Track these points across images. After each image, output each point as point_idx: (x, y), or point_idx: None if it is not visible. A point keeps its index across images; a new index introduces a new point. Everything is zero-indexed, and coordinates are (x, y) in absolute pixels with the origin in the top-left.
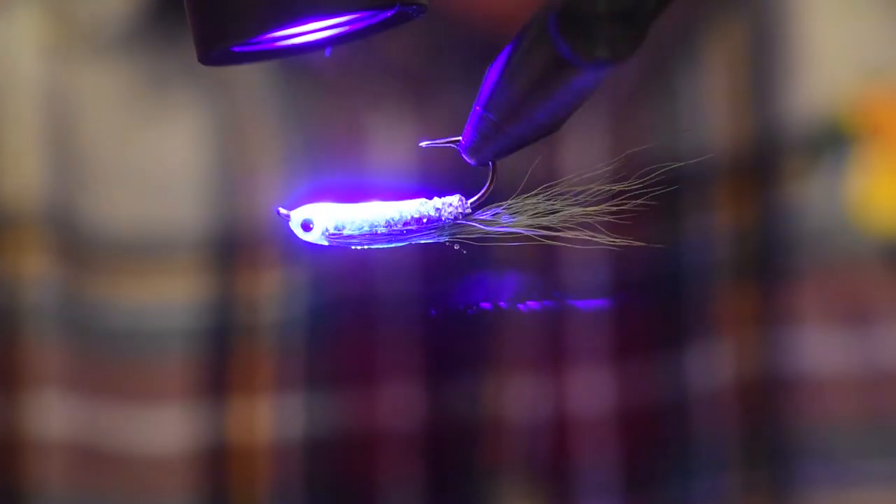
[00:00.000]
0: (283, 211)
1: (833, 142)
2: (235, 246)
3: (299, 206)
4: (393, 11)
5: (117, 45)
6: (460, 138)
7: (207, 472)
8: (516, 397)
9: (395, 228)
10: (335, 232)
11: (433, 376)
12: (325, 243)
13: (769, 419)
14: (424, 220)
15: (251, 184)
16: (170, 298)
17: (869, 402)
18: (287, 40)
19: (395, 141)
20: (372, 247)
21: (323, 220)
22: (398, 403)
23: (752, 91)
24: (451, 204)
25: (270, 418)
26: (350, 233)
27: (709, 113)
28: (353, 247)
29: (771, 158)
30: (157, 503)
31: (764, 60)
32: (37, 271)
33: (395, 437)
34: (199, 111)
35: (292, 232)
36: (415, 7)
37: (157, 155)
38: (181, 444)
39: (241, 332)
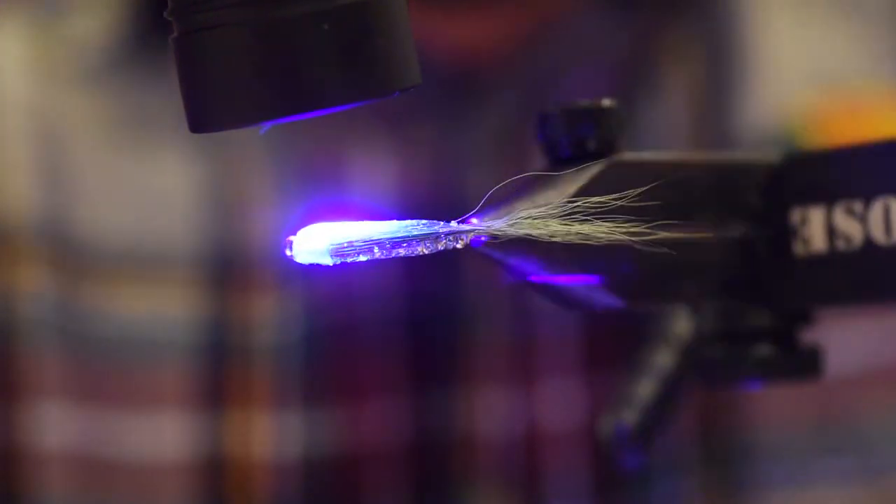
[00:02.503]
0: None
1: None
2: (230, 264)
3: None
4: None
5: (108, 65)
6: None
7: (204, 483)
8: (489, 411)
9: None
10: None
11: (416, 392)
12: (330, 262)
13: (722, 421)
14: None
15: (246, 204)
16: (164, 311)
17: (818, 403)
18: None
19: (373, 171)
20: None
21: (329, 236)
22: (385, 420)
23: (709, 108)
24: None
25: (267, 434)
26: (357, 248)
27: (669, 132)
28: (357, 258)
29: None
30: None
31: (720, 77)
32: (32, 285)
33: (382, 453)
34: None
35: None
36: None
37: (150, 171)
38: (178, 455)
39: (236, 349)
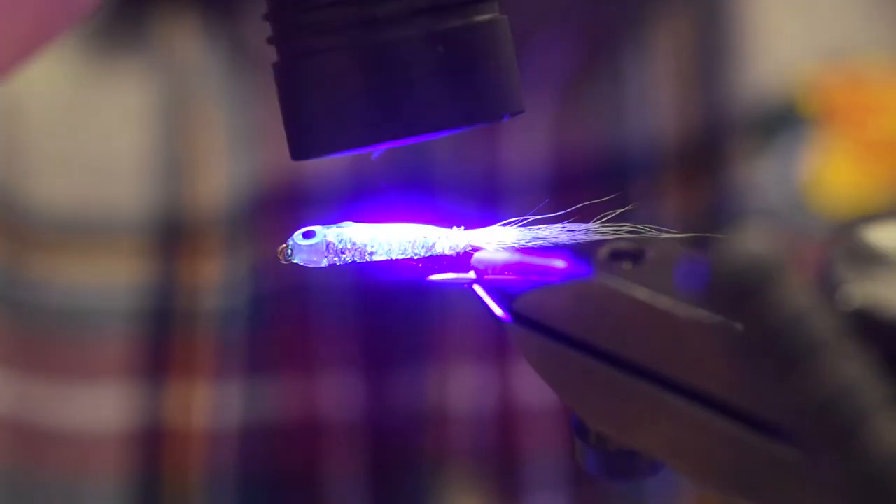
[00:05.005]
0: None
1: (786, 123)
2: (178, 231)
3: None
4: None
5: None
6: (473, 275)
7: (142, 452)
8: (461, 387)
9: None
10: (338, 246)
11: (375, 366)
12: (324, 259)
13: None
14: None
15: (195, 168)
16: (109, 279)
17: None
18: None
19: None
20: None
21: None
22: (338, 393)
23: (700, 74)
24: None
25: (207, 403)
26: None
27: (656, 98)
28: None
29: (720, 140)
30: (91, 481)
31: (712, 44)
32: None
33: (334, 426)
34: (144, 94)
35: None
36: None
37: (100, 137)
38: (116, 424)
39: (180, 316)
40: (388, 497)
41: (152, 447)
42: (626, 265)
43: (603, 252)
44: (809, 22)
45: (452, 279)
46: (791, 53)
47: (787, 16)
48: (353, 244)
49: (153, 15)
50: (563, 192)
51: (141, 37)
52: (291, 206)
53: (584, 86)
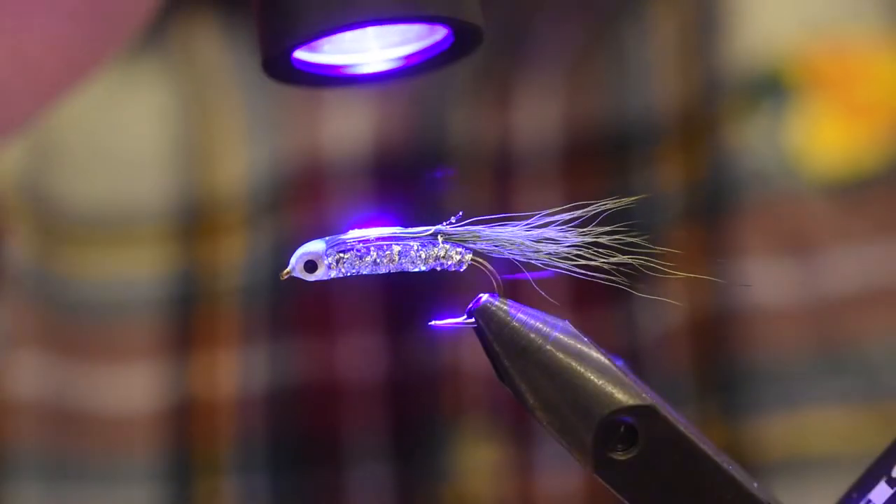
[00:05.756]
0: (285, 275)
1: (772, 90)
2: (200, 216)
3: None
4: (449, 37)
5: None
6: (473, 321)
7: (174, 426)
8: (474, 344)
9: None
10: (340, 256)
11: (393, 326)
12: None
13: (720, 350)
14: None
15: (215, 158)
16: (137, 266)
17: (816, 328)
18: (349, 69)
19: (349, 112)
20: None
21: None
22: (358, 355)
23: (696, 46)
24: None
25: (233, 374)
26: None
27: (655, 69)
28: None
29: (713, 108)
30: (127, 456)
31: (705, 17)
32: (12, 241)
33: (355, 386)
34: (165, 90)
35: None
36: (470, 33)
37: (125, 133)
38: (149, 401)
39: (206, 296)
40: (408, 450)
41: (184, 420)
42: None
43: None
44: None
45: (453, 324)
46: (778, 25)
47: None
48: (354, 267)
49: (174, 15)
50: (571, 160)
51: (162, 37)
52: (310, 187)
53: (589, 59)
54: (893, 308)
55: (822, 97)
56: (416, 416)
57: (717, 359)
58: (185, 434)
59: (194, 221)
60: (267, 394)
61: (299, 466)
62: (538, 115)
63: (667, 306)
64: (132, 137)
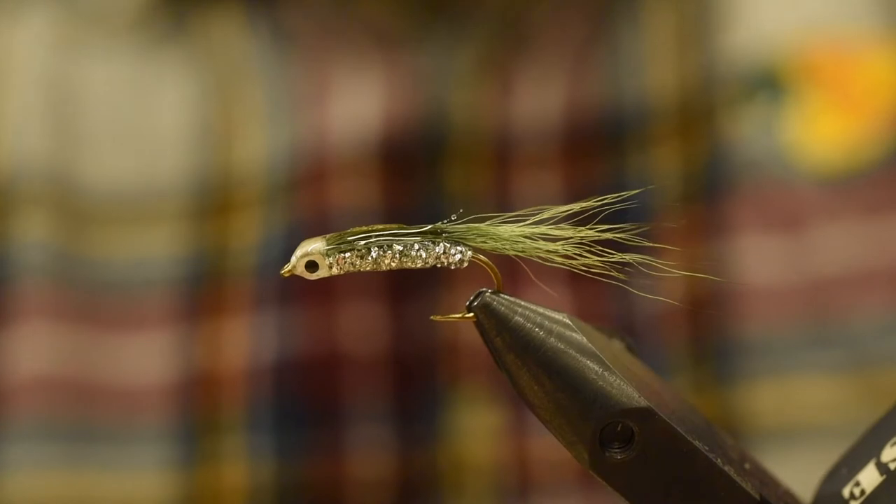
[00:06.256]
0: (286, 273)
1: (767, 84)
2: (216, 194)
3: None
4: None
5: (117, 29)
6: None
7: (185, 393)
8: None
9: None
10: (340, 255)
11: (395, 297)
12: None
13: (713, 322)
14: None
15: (230, 138)
16: (157, 245)
17: (807, 301)
18: None
19: (360, 94)
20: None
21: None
22: (362, 322)
23: (694, 38)
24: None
25: (243, 346)
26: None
27: (652, 59)
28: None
29: (710, 99)
30: (140, 425)
31: (706, 10)
32: (35, 222)
33: (359, 353)
34: (188, 76)
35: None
36: None
37: (148, 117)
38: (162, 370)
39: (222, 272)
40: (407, 413)
41: (196, 386)
42: None
43: None
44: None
45: (454, 319)
46: (774, 21)
47: None
48: (355, 265)
49: (196, 4)
50: (570, 145)
51: (184, 25)
52: (320, 170)
53: (588, 47)
54: (878, 287)
55: (816, 92)
56: (415, 381)
57: (710, 331)
58: (196, 398)
59: (211, 201)
60: (276, 360)
61: (304, 428)
62: (538, 101)
63: (663, 284)
64: (154, 121)
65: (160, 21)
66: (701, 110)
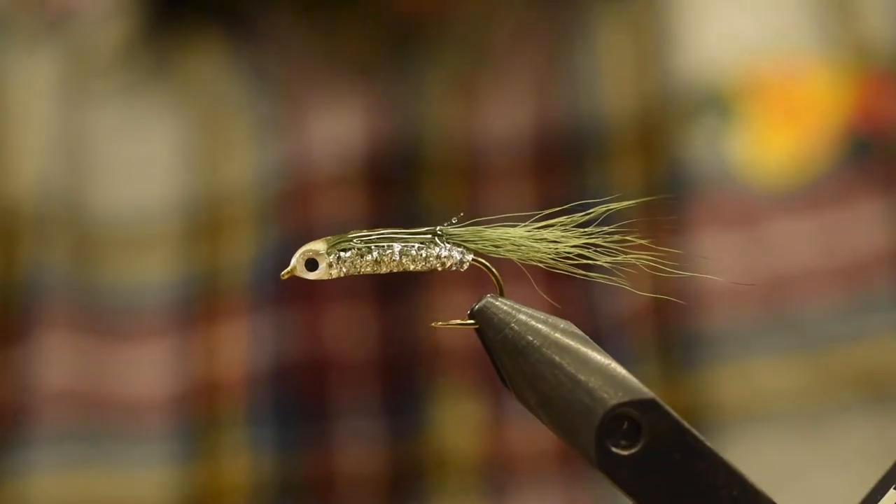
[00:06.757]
0: (285, 274)
1: (715, 103)
2: (207, 216)
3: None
4: None
5: (116, 61)
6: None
7: (187, 397)
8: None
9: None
10: (340, 255)
11: (381, 298)
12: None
13: (674, 311)
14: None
15: (217, 163)
16: (156, 265)
17: (762, 295)
18: None
19: (340, 117)
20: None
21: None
22: (350, 323)
23: (646, 61)
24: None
25: (239, 351)
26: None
27: (608, 81)
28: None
29: (663, 118)
30: (144, 432)
31: (656, 34)
32: (50, 245)
33: (348, 353)
34: (178, 109)
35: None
36: None
37: (142, 148)
38: (164, 378)
39: (217, 289)
40: (393, 407)
41: (197, 391)
42: None
43: None
44: (735, 23)
45: (455, 326)
46: (718, 44)
47: (718, 18)
48: (354, 266)
49: (179, 39)
50: (535, 162)
51: (167, 59)
52: (304, 190)
53: (549, 72)
54: (826, 280)
55: (761, 110)
56: (400, 378)
57: (674, 323)
58: (196, 403)
59: (204, 221)
60: (270, 363)
61: (298, 425)
62: (506, 119)
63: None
64: (145, 152)
65: (143, 58)
66: (656, 128)
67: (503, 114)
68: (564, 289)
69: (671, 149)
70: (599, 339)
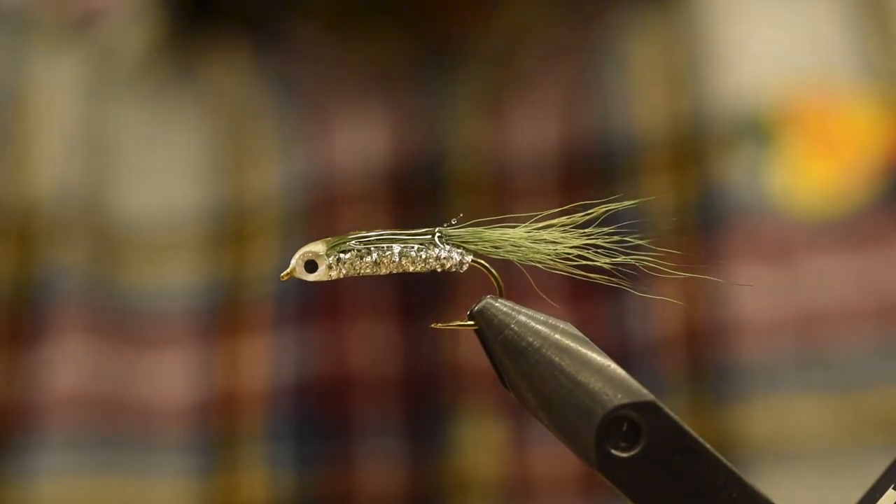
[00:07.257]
0: (285, 276)
1: (754, 131)
2: (231, 225)
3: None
4: None
5: (141, 68)
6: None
7: (208, 409)
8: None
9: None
10: (340, 256)
11: (403, 317)
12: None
13: (707, 343)
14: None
15: (242, 173)
16: (178, 272)
17: (796, 330)
18: None
19: (365, 129)
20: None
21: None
22: (373, 341)
23: (681, 84)
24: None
25: (261, 364)
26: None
27: (639, 98)
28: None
29: (698, 144)
30: (163, 441)
31: (693, 57)
32: (70, 247)
33: (370, 370)
34: (204, 118)
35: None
36: None
37: (168, 155)
38: (185, 388)
39: (240, 300)
40: (415, 427)
41: (218, 403)
42: None
43: None
44: (777, 40)
45: (455, 327)
46: (758, 71)
47: (759, 40)
48: (354, 267)
49: (204, 48)
50: (563, 182)
51: (192, 66)
52: (329, 201)
53: (578, 89)
54: (862, 318)
55: (800, 140)
56: (422, 397)
57: (705, 355)
58: (216, 414)
59: (228, 230)
60: (292, 378)
61: (318, 441)
62: (533, 135)
63: (659, 305)
64: (170, 157)
65: (169, 63)
66: (690, 149)
67: (531, 131)
68: (593, 310)
69: (706, 174)
70: (629, 364)
